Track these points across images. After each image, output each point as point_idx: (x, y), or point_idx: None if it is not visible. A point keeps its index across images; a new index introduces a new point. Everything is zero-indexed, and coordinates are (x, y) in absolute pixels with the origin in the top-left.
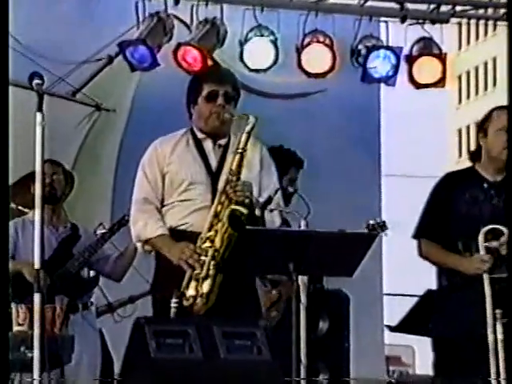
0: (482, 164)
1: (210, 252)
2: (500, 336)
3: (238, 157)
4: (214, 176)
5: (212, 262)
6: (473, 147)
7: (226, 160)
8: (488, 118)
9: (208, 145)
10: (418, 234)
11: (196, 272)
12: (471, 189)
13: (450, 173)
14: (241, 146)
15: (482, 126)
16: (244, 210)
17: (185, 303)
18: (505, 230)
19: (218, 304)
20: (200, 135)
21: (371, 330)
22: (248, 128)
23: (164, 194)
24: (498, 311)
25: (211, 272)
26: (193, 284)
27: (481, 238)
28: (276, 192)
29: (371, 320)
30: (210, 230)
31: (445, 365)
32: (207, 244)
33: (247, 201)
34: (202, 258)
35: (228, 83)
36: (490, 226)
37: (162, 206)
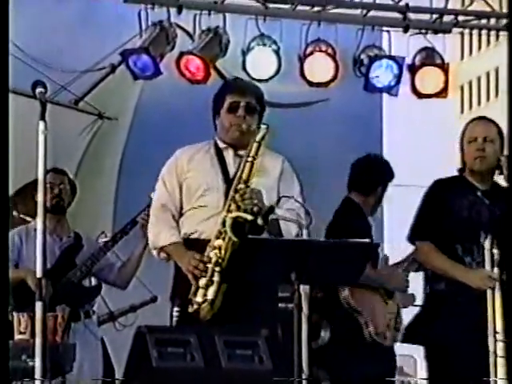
0: (467, 174)
1: (214, 259)
2: (500, 353)
3: (248, 165)
4: (230, 183)
5: (216, 269)
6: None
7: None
8: (463, 132)
9: (229, 154)
10: (415, 236)
11: (202, 280)
12: (467, 194)
13: (441, 180)
14: (251, 154)
15: (461, 141)
16: (248, 217)
17: (190, 309)
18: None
19: (223, 312)
20: (221, 145)
21: None
22: (258, 137)
23: (182, 202)
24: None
25: (215, 279)
26: (200, 291)
27: (487, 244)
28: (278, 201)
29: None
30: (218, 238)
31: (437, 374)
32: (215, 251)
33: (256, 208)
34: (208, 265)
35: (250, 95)
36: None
37: (181, 213)
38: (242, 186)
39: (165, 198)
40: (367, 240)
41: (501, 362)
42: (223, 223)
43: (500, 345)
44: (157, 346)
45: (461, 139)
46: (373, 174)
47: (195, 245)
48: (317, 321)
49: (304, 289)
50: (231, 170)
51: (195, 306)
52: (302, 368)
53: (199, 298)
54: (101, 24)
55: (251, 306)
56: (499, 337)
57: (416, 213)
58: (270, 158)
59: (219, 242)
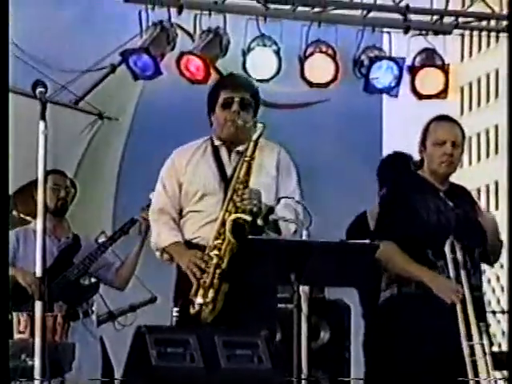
0: (426, 173)
1: (215, 260)
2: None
3: (245, 165)
4: (227, 184)
5: (217, 271)
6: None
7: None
8: (426, 130)
9: (224, 152)
10: (378, 235)
11: (202, 280)
12: (430, 197)
13: (400, 179)
14: (248, 153)
15: (422, 139)
16: (248, 218)
17: (192, 311)
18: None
19: (224, 313)
20: (217, 142)
21: None
22: (255, 136)
23: (181, 204)
24: (481, 324)
25: (216, 280)
26: (200, 292)
27: (447, 249)
28: (278, 201)
29: None
30: (217, 238)
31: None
32: (215, 252)
33: (255, 209)
34: (208, 266)
35: (244, 90)
36: (453, 240)
37: (180, 216)
38: (240, 186)
39: (164, 201)
40: (367, 241)
41: (481, 363)
42: (222, 223)
43: (477, 347)
44: (156, 346)
45: (423, 138)
46: None
47: (197, 249)
48: (316, 322)
49: (304, 289)
50: (228, 169)
51: (196, 308)
52: (301, 368)
53: (200, 299)
54: (101, 24)
55: (252, 308)
56: (475, 339)
57: (379, 210)
58: (265, 151)
59: (218, 242)
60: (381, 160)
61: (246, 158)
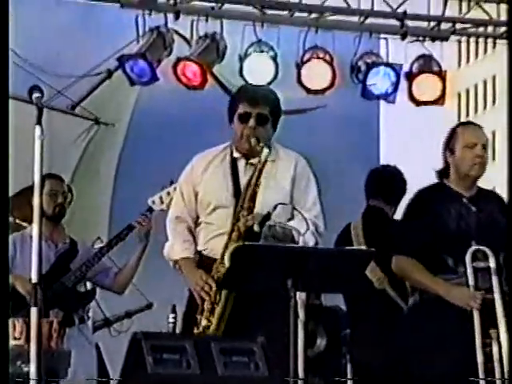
0: (452, 181)
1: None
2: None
3: (250, 191)
4: (239, 198)
5: (218, 297)
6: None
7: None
8: (453, 135)
9: (241, 164)
10: (401, 251)
11: (206, 303)
12: (453, 204)
13: (423, 189)
14: (253, 181)
15: (449, 144)
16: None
17: (196, 331)
18: (489, 253)
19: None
20: (236, 154)
21: None
22: (259, 166)
23: (197, 212)
24: (492, 331)
25: (218, 308)
26: (206, 314)
27: (468, 257)
28: (275, 208)
29: None
30: (221, 262)
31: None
32: (218, 275)
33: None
34: (213, 288)
35: (263, 104)
36: (477, 247)
37: (196, 224)
38: (244, 214)
39: (181, 208)
40: (364, 247)
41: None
42: (226, 247)
43: (495, 349)
44: (152, 353)
45: (452, 143)
46: None
47: (206, 261)
48: (313, 328)
49: (300, 296)
50: (243, 182)
51: (201, 329)
52: (297, 375)
53: (204, 322)
54: (98, 29)
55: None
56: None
57: (399, 224)
58: (280, 164)
59: (222, 265)
60: (369, 172)
61: (251, 186)
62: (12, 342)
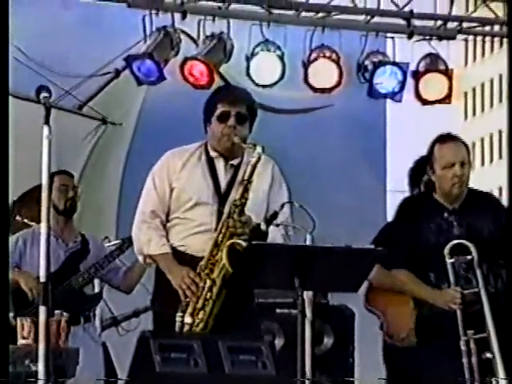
0: (437, 194)
1: (208, 283)
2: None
3: (241, 188)
4: (221, 197)
5: (209, 294)
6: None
7: (236, 182)
8: (432, 153)
9: (220, 164)
10: (389, 264)
11: (192, 301)
12: (434, 218)
13: (409, 198)
14: (246, 177)
15: (429, 162)
16: (244, 244)
17: (177, 329)
18: (469, 244)
19: (222, 318)
20: (212, 153)
21: (376, 345)
22: (253, 161)
23: (170, 208)
24: (469, 332)
25: (207, 306)
26: (189, 310)
27: (446, 253)
28: (282, 206)
29: (376, 336)
30: (209, 260)
31: None
32: (207, 272)
33: (245, 236)
34: (200, 288)
35: (241, 103)
36: (455, 242)
37: (167, 220)
38: (236, 210)
39: (155, 203)
40: (372, 246)
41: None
42: (215, 244)
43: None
44: (160, 352)
45: (430, 161)
46: None
47: (182, 258)
48: (320, 327)
49: (307, 295)
50: (222, 182)
51: (186, 327)
52: (305, 373)
53: (189, 319)
54: (105, 29)
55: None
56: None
57: (386, 239)
58: (260, 168)
59: (211, 263)
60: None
61: (244, 182)
62: (20, 341)
